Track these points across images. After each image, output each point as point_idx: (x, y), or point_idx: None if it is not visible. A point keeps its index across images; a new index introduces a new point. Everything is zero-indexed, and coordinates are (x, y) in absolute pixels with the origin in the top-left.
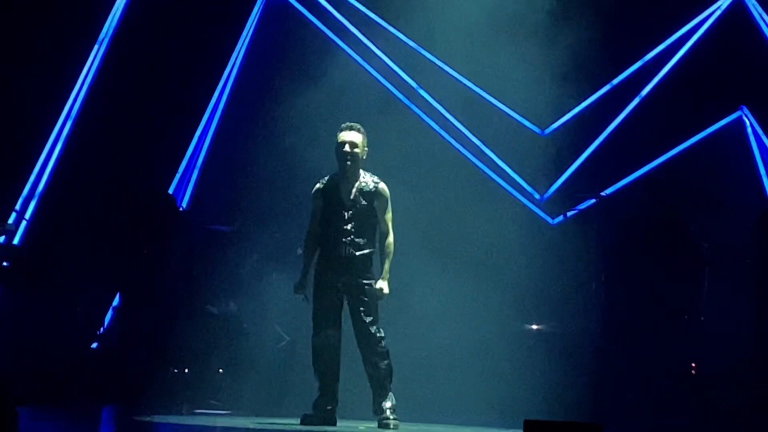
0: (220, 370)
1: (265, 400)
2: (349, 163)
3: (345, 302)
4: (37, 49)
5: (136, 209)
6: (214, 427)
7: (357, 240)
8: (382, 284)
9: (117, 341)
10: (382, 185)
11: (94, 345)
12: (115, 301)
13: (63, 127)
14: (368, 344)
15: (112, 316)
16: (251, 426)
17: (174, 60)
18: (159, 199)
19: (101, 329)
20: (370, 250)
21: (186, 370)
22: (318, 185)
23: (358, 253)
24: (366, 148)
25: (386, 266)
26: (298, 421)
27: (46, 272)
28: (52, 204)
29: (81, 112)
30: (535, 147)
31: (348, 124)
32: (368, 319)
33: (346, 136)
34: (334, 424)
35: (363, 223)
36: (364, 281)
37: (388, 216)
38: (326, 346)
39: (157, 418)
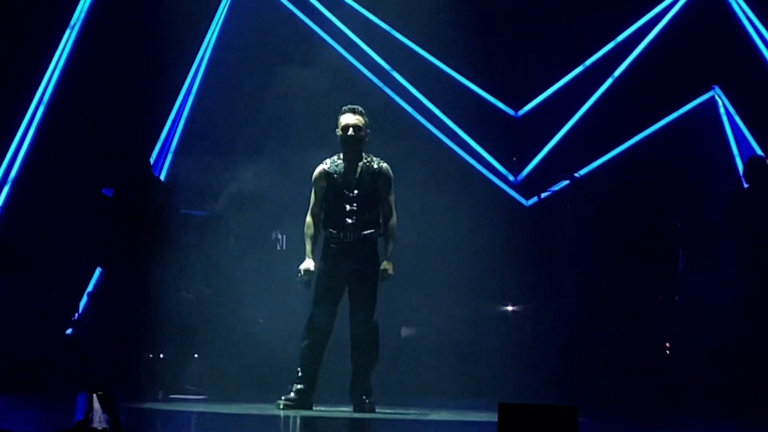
0: (196, 355)
1: (241, 385)
2: (354, 145)
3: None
4: (8, 31)
5: (109, 195)
6: (190, 413)
7: (362, 221)
8: (388, 265)
9: (91, 327)
10: (386, 166)
11: (69, 331)
12: (90, 287)
13: (36, 111)
14: (362, 329)
15: (87, 302)
16: (227, 411)
17: (147, 45)
18: (137, 182)
19: (76, 315)
20: (374, 231)
21: (161, 356)
22: (321, 167)
23: (363, 234)
24: (368, 130)
25: (390, 247)
26: (275, 406)
27: (19, 258)
28: (25, 189)
29: (54, 96)
30: (508, 129)
31: (350, 106)
32: (367, 306)
33: (349, 119)
34: (310, 408)
35: (367, 204)
36: (369, 263)
37: (392, 197)
38: (319, 327)
39: (133, 404)
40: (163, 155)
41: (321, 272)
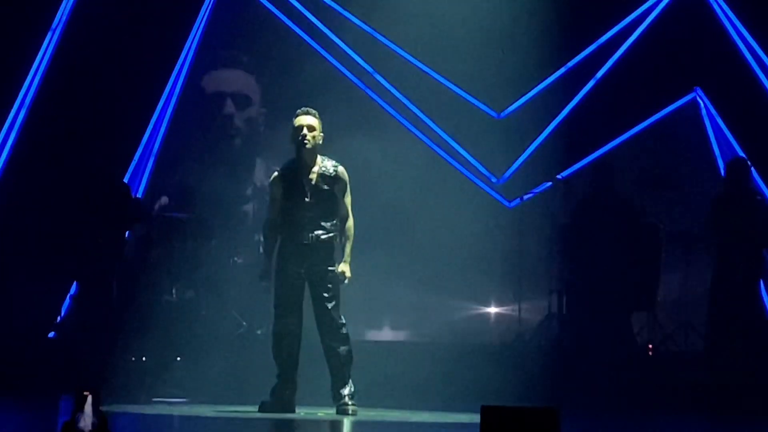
0: (178, 358)
1: (223, 388)
2: (307, 146)
3: (307, 289)
4: None
5: (91, 198)
6: (173, 416)
7: (319, 225)
8: (344, 268)
9: (74, 330)
10: (341, 168)
11: (51, 334)
12: (72, 290)
13: (16, 116)
14: (329, 330)
15: (69, 304)
16: (210, 414)
17: (128, 48)
18: (114, 187)
19: (58, 318)
20: (333, 234)
21: (144, 359)
22: (276, 173)
23: (321, 238)
24: (321, 133)
25: (347, 249)
26: (257, 408)
27: (1, 262)
28: (6, 193)
29: (34, 101)
30: (491, 130)
31: (304, 108)
32: (330, 305)
33: (303, 120)
34: (293, 411)
35: (324, 207)
36: (328, 267)
37: (348, 199)
38: (287, 333)
39: (115, 407)
40: (146, 158)
41: (278, 276)
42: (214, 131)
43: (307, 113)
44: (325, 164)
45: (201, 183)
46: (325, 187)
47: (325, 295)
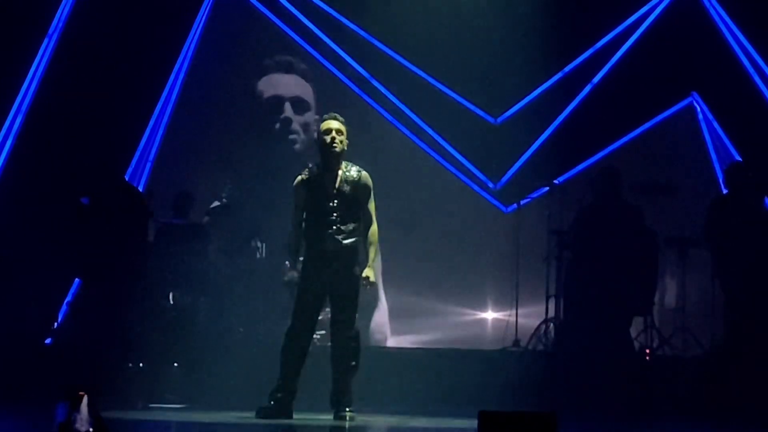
0: (176, 364)
1: (220, 393)
2: (336, 150)
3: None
4: None
5: (91, 202)
6: (170, 422)
7: (343, 230)
8: (369, 272)
9: (71, 336)
10: (365, 174)
11: (48, 340)
12: (69, 296)
13: (14, 120)
14: (342, 337)
15: (66, 311)
16: (207, 420)
17: (126, 52)
18: (116, 188)
19: (55, 324)
20: (356, 239)
21: (141, 365)
22: (301, 176)
23: (344, 243)
24: (347, 139)
25: (371, 254)
26: (255, 414)
27: None
28: (4, 197)
29: (32, 103)
30: (488, 135)
31: (331, 113)
32: (347, 313)
33: (332, 124)
34: (290, 416)
35: (348, 212)
36: (351, 271)
37: (371, 205)
38: (300, 337)
39: (113, 413)
40: (143, 163)
41: (301, 282)
42: (212, 137)
43: (335, 118)
44: (349, 169)
45: (199, 188)
46: (349, 191)
47: (344, 303)
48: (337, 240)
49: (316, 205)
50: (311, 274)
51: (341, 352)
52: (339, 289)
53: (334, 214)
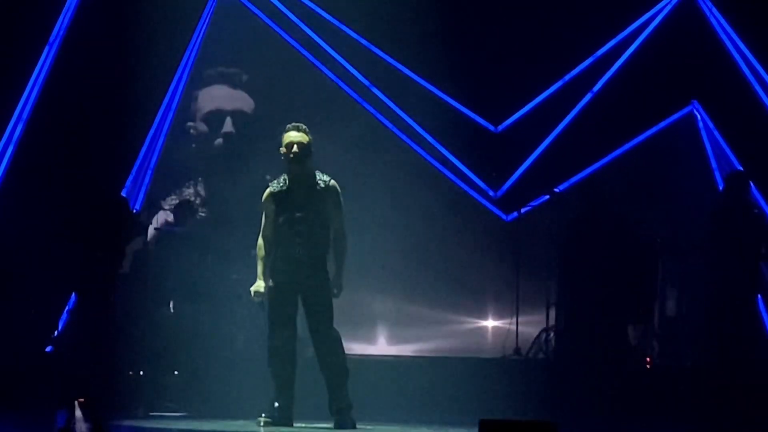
0: (176, 372)
1: (220, 402)
2: (297, 163)
3: (300, 303)
4: None
5: (88, 212)
6: (170, 429)
7: (311, 240)
8: (337, 282)
9: (71, 344)
10: (333, 183)
11: (49, 348)
12: (69, 304)
13: (14, 129)
14: (324, 344)
15: (67, 319)
16: (208, 428)
17: (125, 62)
18: (112, 201)
19: (55, 332)
20: (325, 249)
21: (141, 373)
22: (269, 188)
23: (313, 253)
24: (311, 147)
25: (340, 264)
26: (255, 422)
27: None
28: (3, 207)
29: (31, 114)
30: (488, 144)
31: (293, 124)
32: (324, 319)
33: (292, 136)
34: (291, 425)
35: (316, 222)
36: (320, 281)
37: (340, 213)
38: (283, 347)
39: (113, 422)
40: (143, 172)
41: (272, 292)
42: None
43: (296, 128)
44: (317, 178)
45: (198, 197)
46: (316, 201)
47: (318, 309)
48: (306, 250)
49: (284, 214)
50: (281, 283)
51: (326, 358)
52: (311, 296)
53: (303, 225)
